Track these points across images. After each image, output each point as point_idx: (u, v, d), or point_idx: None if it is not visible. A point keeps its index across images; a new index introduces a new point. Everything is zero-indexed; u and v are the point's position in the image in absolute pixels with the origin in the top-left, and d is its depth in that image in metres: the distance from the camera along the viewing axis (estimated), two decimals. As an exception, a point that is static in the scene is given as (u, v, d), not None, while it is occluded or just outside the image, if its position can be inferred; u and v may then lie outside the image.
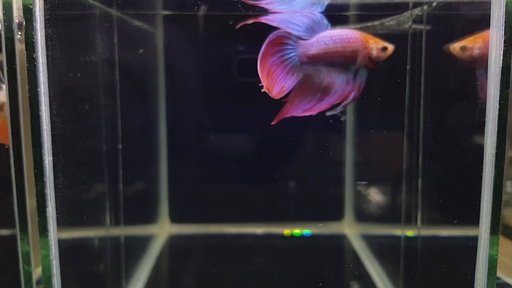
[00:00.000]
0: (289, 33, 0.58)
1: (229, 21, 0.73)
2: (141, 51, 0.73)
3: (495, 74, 0.47)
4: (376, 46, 0.59)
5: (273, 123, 0.61)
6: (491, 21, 0.47)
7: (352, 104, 0.90)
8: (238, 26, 0.58)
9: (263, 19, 0.56)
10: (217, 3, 0.67)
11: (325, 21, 0.58)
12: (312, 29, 0.58)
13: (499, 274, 0.54)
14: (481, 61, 0.52)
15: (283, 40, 0.58)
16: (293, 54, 0.59)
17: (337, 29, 0.59)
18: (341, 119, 0.82)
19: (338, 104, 0.61)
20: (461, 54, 0.56)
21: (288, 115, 0.61)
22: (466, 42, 0.56)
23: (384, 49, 0.59)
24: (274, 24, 0.57)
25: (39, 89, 0.46)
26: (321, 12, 0.57)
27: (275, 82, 0.59)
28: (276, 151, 0.92)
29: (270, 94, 0.59)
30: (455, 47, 0.57)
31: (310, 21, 0.58)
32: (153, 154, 0.91)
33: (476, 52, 0.54)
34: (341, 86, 0.60)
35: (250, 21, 0.56)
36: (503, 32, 0.46)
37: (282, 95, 0.60)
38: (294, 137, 0.92)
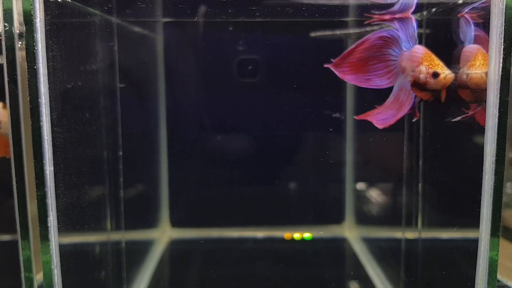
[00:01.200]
0: (400, 40, 0.57)
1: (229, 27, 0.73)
2: (121, 85, 0.74)
3: (495, 81, 0.48)
4: (427, 69, 0.53)
5: (356, 117, 0.60)
6: (491, 29, 0.47)
7: (352, 108, 0.91)
8: (368, 22, 0.57)
9: (388, 17, 0.56)
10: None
11: (416, 35, 0.56)
12: (410, 42, 0.57)
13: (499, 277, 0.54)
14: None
15: (393, 43, 0.57)
16: (395, 60, 0.58)
17: (420, 45, 0.57)
18: (333, 115, 0.82)
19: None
20: (485, 80, 0.50)
21: (372, 119, 0.60)
22: (483, 66, 0.51)
23: (435, 75, 0.53)
24: (393, 27, 0.57)
25: (40, 100, 0.46)
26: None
27: (366, 73, 0.58)
28: (276, 155, 0.92)
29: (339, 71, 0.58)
30: (483, 75, 0.51)
31: (411, 34, 0.56)
32: (153, 159, 0.91)
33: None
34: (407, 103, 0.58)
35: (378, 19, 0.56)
36: (503, 40, 0.46)
37: (361, 85, 0.59)
38: (295, 141, 0.92)
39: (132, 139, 0.78)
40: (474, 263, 0.53)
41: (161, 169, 0.93)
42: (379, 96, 0.81)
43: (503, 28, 0.47)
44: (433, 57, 0.55)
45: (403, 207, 0.77)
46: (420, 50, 0.55)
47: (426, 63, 0.54)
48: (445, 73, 0.53)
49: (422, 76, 0.54)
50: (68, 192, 0.53)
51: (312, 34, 0.84)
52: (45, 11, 0.46)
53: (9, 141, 0.47)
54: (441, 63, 0.54)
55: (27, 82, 0.46)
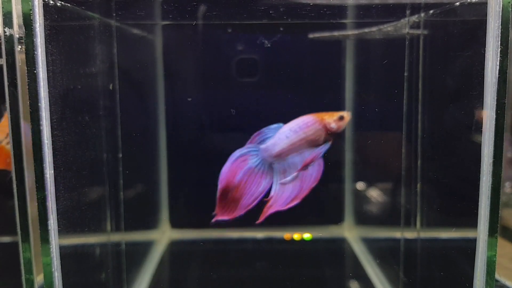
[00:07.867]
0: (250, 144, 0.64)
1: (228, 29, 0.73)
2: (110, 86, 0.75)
3: (492, 83, 0.48)
4: (332, 118, 0.63)
5: (258, 222, 0.64)
6: (487, 32, 0.47)
7: (351, 108, 0.91)
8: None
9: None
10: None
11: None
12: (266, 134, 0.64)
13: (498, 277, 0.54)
14: None
15: (245, 154, 0.65)
16: (258, 159, 0.64)
17: (294, 120, 0.64)
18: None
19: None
20: None
21: (272, 210, 0.64)
22: None
23: (341, 118, 0.63)
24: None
25: (40, 104, 0.46)
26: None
27: (246, 193, 0.64)
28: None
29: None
30: None
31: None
32: (153, 160, 0.91)
33: None
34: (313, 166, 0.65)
35: None
36: (499, 42, 0.47)
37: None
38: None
39: (132, 141, 0.78)
40: (473, 263, 0.53)
41: (161, 170, 0.93)
42: (378, 97, 0.81)
43: (500, 30, 0.47)
44: (323, 113, 0.64)
45: (402, 207, 0.78)
46: (309, 116, 0.64)
47: (327, 116, 0.63)
48: (346, 113, 0.64)
49: (333, 125, 0.63)
50: (68, 195, 0.54)
51: (311, 36, 0.84)
52: (44, 15, 0.47)
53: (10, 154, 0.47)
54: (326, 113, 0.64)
55: (27, 86, 0.46)
